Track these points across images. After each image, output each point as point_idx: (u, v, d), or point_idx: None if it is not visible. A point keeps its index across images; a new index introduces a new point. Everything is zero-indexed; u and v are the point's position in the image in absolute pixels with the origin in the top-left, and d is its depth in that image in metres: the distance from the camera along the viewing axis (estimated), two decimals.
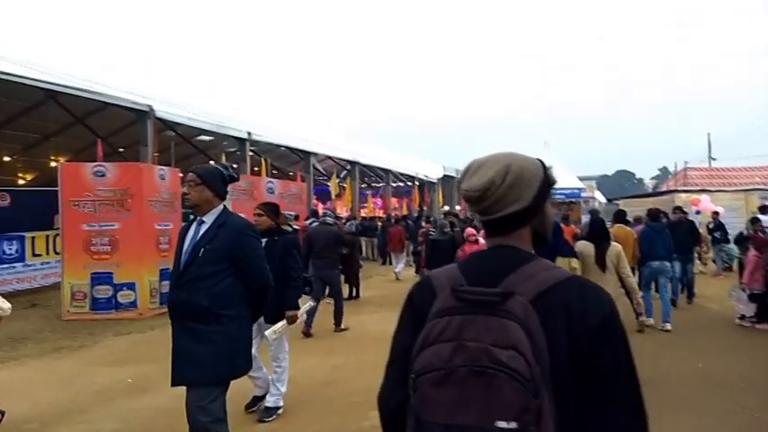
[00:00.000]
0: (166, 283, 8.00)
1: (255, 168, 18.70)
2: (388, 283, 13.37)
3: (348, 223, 16.74)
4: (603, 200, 35.05)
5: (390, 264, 16.12)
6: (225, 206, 3.13)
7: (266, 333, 4.38)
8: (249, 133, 17.16)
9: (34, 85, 11.84)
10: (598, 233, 5.61)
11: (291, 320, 4.56)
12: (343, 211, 23.01)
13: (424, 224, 14.83)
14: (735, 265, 14.39)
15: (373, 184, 31.05)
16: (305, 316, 4.82)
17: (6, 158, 19.42)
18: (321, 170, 24.42)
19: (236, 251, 2.99)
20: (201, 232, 3.01)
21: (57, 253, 10.40)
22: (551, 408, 0.99)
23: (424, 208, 28.61)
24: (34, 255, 10.97)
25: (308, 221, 13.30)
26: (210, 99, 19.61)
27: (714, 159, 34.56)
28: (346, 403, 4.90)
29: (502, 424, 0.95)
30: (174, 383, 2.94)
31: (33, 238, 10.91)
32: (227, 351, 2.91)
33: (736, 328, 7.88)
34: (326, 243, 8.01)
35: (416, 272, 13.35)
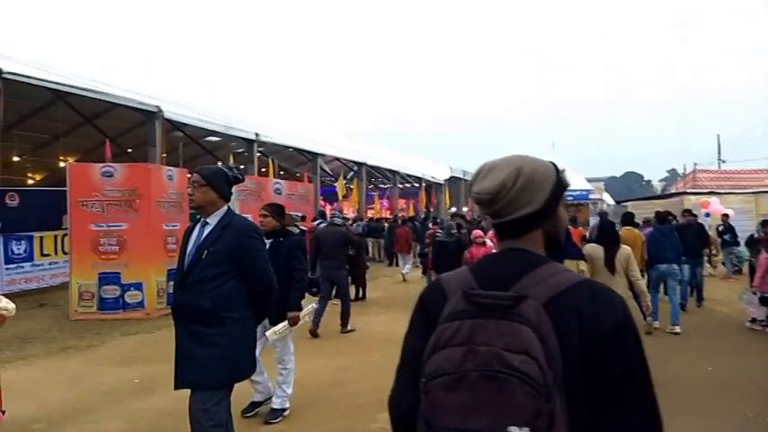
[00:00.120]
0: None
1: (263, 169, 18.76)
2: (394, 285, 13.36)
3: (355, 224, 16.73)
4: (612, 202, 34.86)
5: (397, 265, 16.10)
6: (229, 207, 3.10)
7: (266, 334, 4.34)
8: (257, 134, 17.20)
9: (44, 85, 11.92)
10: (608, 236, 5.57)
11: (293, 322, 4.52)
12: (349, 212, 23.01)
13: (431, 225, 14.79)
14: (745, 268, 14.28)
15: (380, 185, 31.04)
16: (307, 318, 4.78)
17: (16, 158, 19.55)
18: (328, 171, 24.45)
19: (240, 253, 2.96)
20: (205, 234, 2.99)
21: (65, 253, 10.45)
22: (564, 412, 0.98)
23: (431, 209, 28.58)
24: (43, 254, 11.03)
25: (315, 222, 13.31)
26: (219, 100, 19.68)
27: (724, 162, 34.33)
28: (353, 405, 4.88)
29: (514, 429, 0.94)
30: (177, 386, 2.92)
31: (42, 237, 10.97)
32: (231, 354, 2.89)
33: (747, 332, 7.81)
34: (335, 244, 8.01)
35: (423, 273, 13.33)
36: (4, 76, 10.58)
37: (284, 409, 4.56)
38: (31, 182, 21.01)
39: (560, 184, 1.21)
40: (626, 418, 1.04)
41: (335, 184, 22.59)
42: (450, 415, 0.99)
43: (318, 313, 7.75)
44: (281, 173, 22.52)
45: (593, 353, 1.04)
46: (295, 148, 20.66)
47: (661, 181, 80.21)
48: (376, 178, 29.20)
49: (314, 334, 7.57)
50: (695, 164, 30.19)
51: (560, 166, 1.26)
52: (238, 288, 2.96)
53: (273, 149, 20.06)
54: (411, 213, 25.54)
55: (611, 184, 62.92)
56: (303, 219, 13.71)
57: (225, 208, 3.06)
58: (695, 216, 11.08)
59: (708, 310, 9.60)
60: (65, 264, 10.07)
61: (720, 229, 13.88)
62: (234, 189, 3.29)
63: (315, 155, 20.84)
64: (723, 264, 14.16)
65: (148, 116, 13.71)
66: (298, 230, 10.18)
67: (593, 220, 16.01)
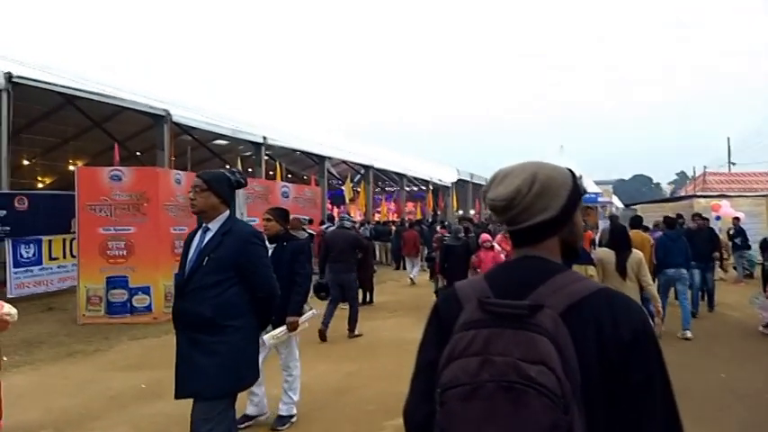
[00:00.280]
0: None
1: (270, 172, 18.78)
2: (401, 288, 13.30)
3: (362, 227, 16.71)
4: (621, 205, 34.65)
5: (404, 268, 16.04)
6: (231, 213, 3.04)
7: (264, 338, 4.25)
8: (264, 138, 17.24)
9: (53, 89, 12.01)
10: (620, 241, 5.50)
11: (292, 327, 4.40)
12: (356, 216, 23.00)
13: (438, 229, 14.74)
14: (756, 272, 14.12)
15: (387, 189, 31.02)
16: (306, 324, 4.68)
17: (25, 162, 19.69)
18: (335, 174, 24.47)
19: (242, 259, 2.90)
20: (206, 240, 2.93)
21: (73, 256, 10.46)
22: (582, 424, 0.97)
23: (438, 212, 28.52)
24: (51, 258, 11.05)
25: (323, 226, 13.29)
26: (226, 104, 19.75)
27: (734, 164, 34.06)
28: (361, 411, 4.84)
29: None
30: (177, 396, 2.86)
31: (50, 241, 10.99)
32: (233, 362, 2.82)
33: (760, 337, 7.69)
34: (344, 247, 7.97)
35: (431, 277, 13.28)
36: (14, 80, 10.66)
37: (291, 416, 4.52)
38: (40, 185, 21.14)
39: (577, 190, 1.19)
40: (647, 427, 1.02)
41: (343, 188, 22.61)
42: (465, 426, 0.97)
43: (328, 314, 7.72)
44: (289, 176, 22.57)
45: (612, 363, 1.02)
46: (302, 152, 20.71)
47: (670, 184, 79.86)
48: (383, 181, 29.21)
49: (323, 335, 7.53)
50: (705, 166, 29.94)
51: (577, 173, 1.24)
52: (240, 295, 2.90)
53: (281, 153, 20.11)
54: (418, 216, 25.50)
55: (619, 186, 62.57)
56: (311, 222, 13.74)
57: (227, 213, 2.99)
58: (706, 220, 10.96)
59: (719, 314, 9.49)
60: (73, 267, 10.09)
61: (731, 232, 13.74)
62: (242, 192, 3.24)
63: (322, 158, 20.87)
64: (734, 268, 14.01)
65: (157, 120, 13.78)
66: (306, 234, 10.19)
67: (602, 224, 15.89)
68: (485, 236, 8.32)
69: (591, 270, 5.41)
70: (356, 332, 7.91)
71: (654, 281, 7.70)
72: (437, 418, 1.02)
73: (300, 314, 4.53)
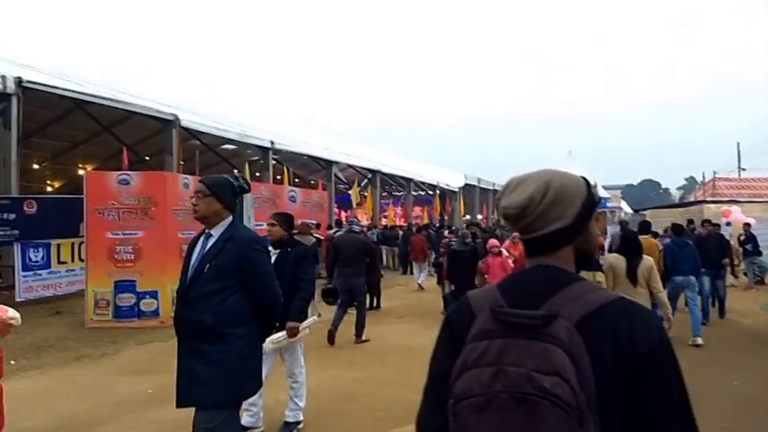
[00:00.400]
0: None
1: (278, 177, 18.81)
2: (408, 294, 13.25)
3: (369, 232, 16.68)
4: (629, 210, 34.46)
5: (411, 273, 15.99)
6: (234, 219, 3.00)
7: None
8: (272, 142, 17.30)
9: (63, 94, 12.09)
10: (631, 247, 5.44)
11: (291, 332, 4.31)
12: (363, 220, 22.99)
13: (446, 234, 14.69)
14: (767, 279, 14.00)
15: (394, 193, 31.00)
16: (307, 330, 4.63)
17: (36, 166, 19.83)
18: (342, 179, 24.47)
19: (243, 266, 2.85)
20: (209, 246, 2.89)
21: (82, 260, 10.50)
22: None
23: (446, 217, 28.45)
24: (59, 262, 11.09)
25: (331, 231, 13.28)
26: (234, 108, 19.84)
27: (744, 170, 33.80)
28: (369, 418, 4.79)
29: None
30: (178, 405, 2.82)
31: (59, 245, 11.04)
32: (234, 372, 2.76)
33: None
34: (354, 251, 7.94)
35: (438, 283, 13.22)
36: (24, 85, 10.75)
37: (298, 422, 4.49)
38: (50, 189, 21.29)
39: (591, 199, 1.18)
40: None
41: (350, 192, 22.60)
42: None
43: (338, 317, 7.70)
44: (296, 180, 22.61)
45: (629, 373, 1.01)
46: (310, 156, 20.74)
47: (679, 189, 79.35)
48: (390, 186, 29.18)
49: (332, 336, 7.51)
50: (714, 172, 29.72)
51: (592, 182, 1.23)
52: (241, 303, 2.85)
53: (288, 157, 20.16)
54: (425, 221, 25.45)
55: (628, 192, 62.31)
56: (317, 226, 13.73)
57: (229, 219, 2.95)
58: (717, 226, 10.85)
59: (730, 321, 9.38)
60: (81, 271, 10.12)
61: (742, 238, 13.62)
62: (249, 196, 3.22)
63: (329, 162, 20.90)
64: (745, 274, 13.88)
65: (165, 124, 13.85)
66: (314, 239, 10.15)
67: (611, 229, 15.80)
68: (493, 241, 8.25)
69: (599, 276, 5.36)
70: (363, 338, 7.87)
71: (664, 287, 7.64)
72: (450, 429, 1.00)
73: (301, 320, 4.45)
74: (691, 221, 13.24)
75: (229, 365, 2.75)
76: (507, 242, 9.10)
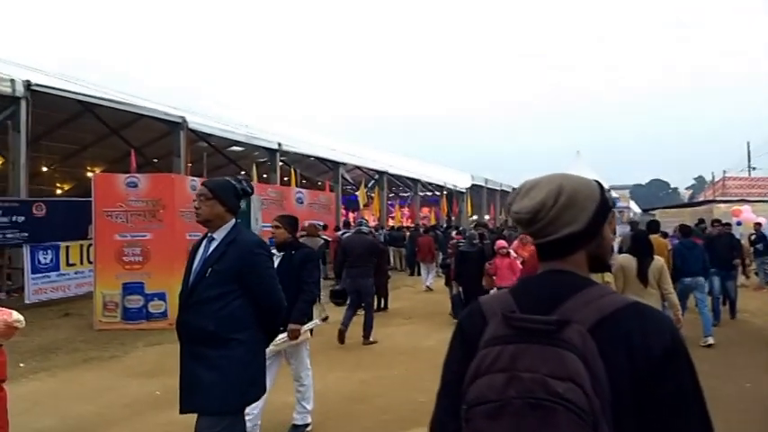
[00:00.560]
0: None
1: (285, 178, 18.84)
2: (416, 295, 13.22)
3: (377, 233, 16.66)
4: (638, 210, 34.26)
5: (419, 274, 15.95)
6: (237, 222, 2.95)
7: None
8: (279, 144, 17.32)
9: (71, 97, 12.16)
10: (641, 247, 5.38)
11: (292, 335, 4.22)
12: (370, 221, 23.00)
13: (454, 235, 14.64)
14: None
15: (401, 194, 30.96)
16: (308, 333, 4.58)
17: (44, 169, 19.96)
18: (350, 180, 24.47)
19: (246, 269, 2.81)
20: (211, 250, 2.85)
21: (90, 262, 10.55)
22: None
23: (453, 218, 28.39)
24: (68, 264, 11.15)
25: (339, 232, 13.27)
26: (242, 111, 19.91)
27: (754, 169, 33.52)
28: (377, 421, 4.77)
29: None
30: (181, 411, 2.80)
31: (68, 247, 11.10)
32: (236, 377, 2.72)
33: None
34: (362, 252, 7.92)
35: (446, 284, 13.17)
36: (33, 88, 10.81)
37: (306, 425, 4.47)
38: (59, 192, 21.43)
39: (605, 203, 1.17)
40: None
41: (357, 193, 22.60)
42: None
43: (348, 317, 7.69)
44: (303, 182, 22.63)
45: (643, 378, 1.00)
46: (317, 158, 20.76)
47: (688, 189, 78.85)
48: (397, 186, 29.15)
49: (342, 335, 7.51)
50: (724, 171, 29.49)
51: (606, 186, 1.21)
52: (244, 308, 2.80)
53: (295, 159, 20.19)
54: (433, 222, 25.40)
55: (636, 191, 61.94)
56: (324, 228, 13.73)
57: (232, 222, 2.91)
58: (728, 225, 10.75)
59: (741, 322, 9.29)
60: (90, 273, 10.16)
61: (753, 238, 13.48)
62: (256, 198, 3.20)
63: (336, 164, 20.91)
64: (756, 274, 13.75)
65: (173, 127, 13.90)
66: (323, 240, 10.12)
67: (620, 229, 15.69)
68: (500, 242, 8.21)
69: (608, 277, 5.30)
70: (371, 339, 7.85)
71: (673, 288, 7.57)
72: None
73: (303, 322, 4.37)
74: (701, 221, 13.13)
75: (232, 371, 2.71)
76: (515, 243, 9.05)
